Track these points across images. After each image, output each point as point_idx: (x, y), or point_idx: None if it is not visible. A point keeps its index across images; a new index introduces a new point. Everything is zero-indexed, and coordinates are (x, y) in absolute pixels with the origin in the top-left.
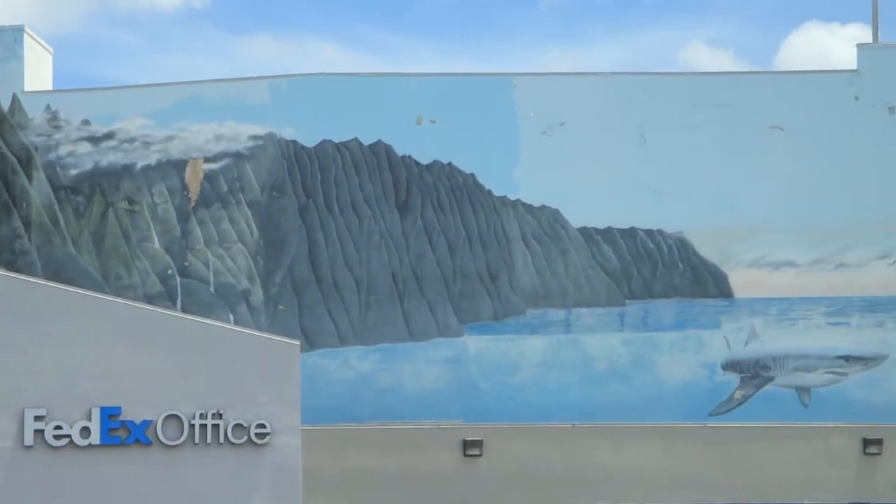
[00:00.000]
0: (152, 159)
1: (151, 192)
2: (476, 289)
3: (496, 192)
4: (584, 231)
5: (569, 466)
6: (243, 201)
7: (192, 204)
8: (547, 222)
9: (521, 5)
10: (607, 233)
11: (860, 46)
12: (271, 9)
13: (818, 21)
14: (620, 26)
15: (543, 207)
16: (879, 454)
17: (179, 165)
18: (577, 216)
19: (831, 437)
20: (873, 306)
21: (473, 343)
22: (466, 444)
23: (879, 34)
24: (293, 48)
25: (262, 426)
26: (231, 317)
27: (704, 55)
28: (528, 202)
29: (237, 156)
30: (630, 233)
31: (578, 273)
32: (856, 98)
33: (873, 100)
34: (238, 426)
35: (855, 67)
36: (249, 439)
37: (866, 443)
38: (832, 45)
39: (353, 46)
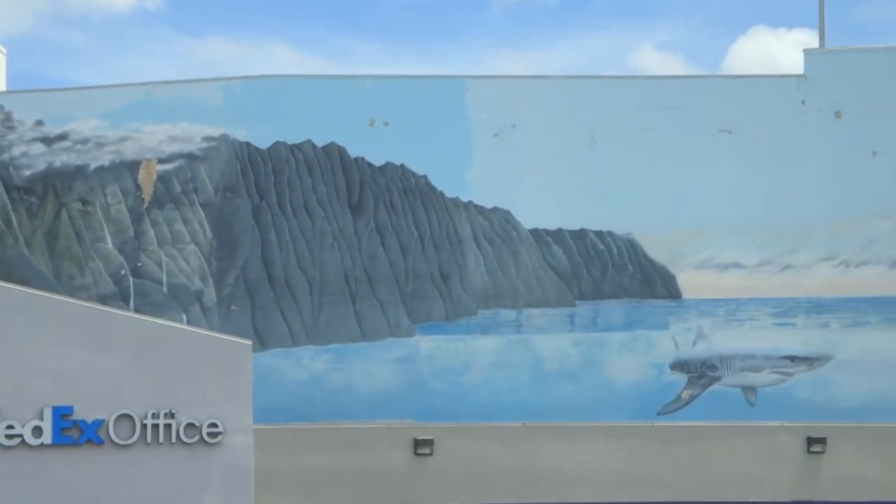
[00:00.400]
0: (106, 160)
1: (105, 193)
2: (428, 289)
3: (448, 194)
4: (534, 232)
5: (519, 465)
6: (196, 202)
7: (146, 205)
8: (498, 224)
9: (474, 8)
10: (558, 234)
11: (807, 51)
12: (224, 10)
13: (765, 26)
14: (572, 30)
15: (495, 209)
16: (823, 453)
17: (133, 166)
18: (528, 218)
19: (777, 436)
20: (819, 307)
21: (425, 343)
22: (417, 444)
23: (826, 39)
24: (247, 50)
25: (215, 426)
26: (184, 317)
27: (654, 59)
28: (480, 204)
29: (191, 157)
30: (580, 234)
31: (529, 274)
32: (803, 102)
33: (820, 104)
34: (190, 426)
35: (802, 72)
36: (201, 439)
37: (810, 441)
38: (779, 50)
39: (306, 48)
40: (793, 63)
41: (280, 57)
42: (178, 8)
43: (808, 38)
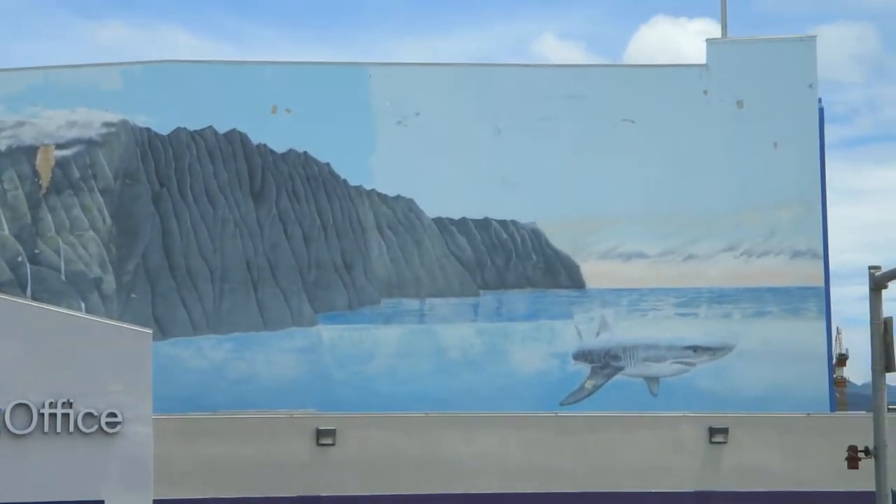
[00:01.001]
0: (2, 145)
1: (1, 179)
2: (331, 278)
3: (351, 182)
4: (438, 221)
5: (422, 455)
6: (96, 188)
7: (44, 191)
8: (402, 212)
9: None
10: (462, 223)
11: (709, 41)
12: None
13: (666, 15)
14: (474, 17)
15: (398, 197)
16: (725, 443)
17: (30, 152)
18: (432, 206)
19: (679, 426)
20: (721, 297)
21: (327, 332)
22: (320, 434)
23: (728, 30)
24: (145, 34)
25: (114, 415)
26: (82, 305)
27: (556, 47)
28: (384, 192)
29: (90, 142)
30: (484, 223)
31: (433, 263)
32: (705, 92)
33: (722, 94)
34: (89, 415)
35: (704, 62)
36: (100, 428)
37: (712, 432)
38: (680, 39)
39: (205, 33)
40: (694, 52)
41: (179, 42)
42: None
43: (709, 27)
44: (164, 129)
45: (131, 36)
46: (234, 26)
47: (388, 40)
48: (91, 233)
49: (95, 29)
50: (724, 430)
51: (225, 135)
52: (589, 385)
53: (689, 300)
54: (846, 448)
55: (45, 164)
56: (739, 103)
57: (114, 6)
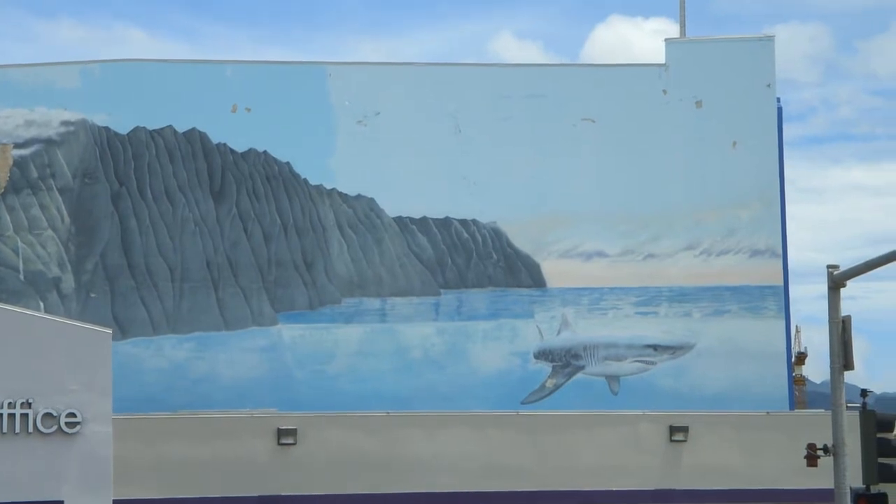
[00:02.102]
0: None
1: None
2: (291, 277)
3: (312, 181)
4: (399, 220)
5: (383, 454)
6: (54, 188)
7: (1, 190)
8: (362, 211)
9: None
10: (422, 222)
11: (668, 41)
12: None
13: (622, 15)
14: (430, 18)
15: (359, 196)
16: (685, 441)
17: None
18: (393, 205)
19: (639, 425)
20: (681, 296)
21: (288, 332)
22: (281, 433)
23: (686, 29)
24: (99, 33)
25: (73, 415)
26: (41, 304)
27: (513, 47)
28: (344, 191)
29: (48, 142)
30: (445, 223)
31: (394, 262)
32: (664, 92)
33: (681, 94)
34: (48, 415)
35: (663, 61)
36: (59, 428)
37: (672, 430)
38: (636, 39)
39: (161, 32)
40: (649, 51)
41: (134, 40)
42: None
43: (665, 26)
44: (123, 129)
45: (83, 34)
46: (189, 25)
47: (344, 40)
48: (50, 232)
49: (49, 27)
50: (684, 429)
51: (184, 134)
52: (550, 384)
53: (649, 299)
54: (805, 446)
55: (2, 164)
56: (698, 103)
57: (69, 5)
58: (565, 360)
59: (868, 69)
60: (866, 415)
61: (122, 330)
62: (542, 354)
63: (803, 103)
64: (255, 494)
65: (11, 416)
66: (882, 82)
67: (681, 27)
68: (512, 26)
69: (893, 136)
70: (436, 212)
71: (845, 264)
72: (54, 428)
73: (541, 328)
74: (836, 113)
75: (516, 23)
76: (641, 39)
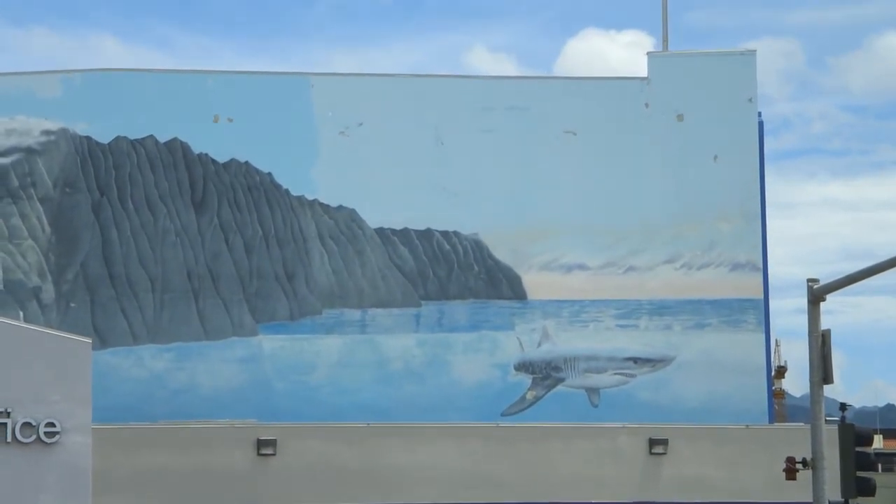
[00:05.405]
0: None
1: None
2: (272, 288)
3: (293, 192)
4: (380, 231)
5: (363, 465)
6: (35, 197)
7: None
8: (344, 222)
9: (300, 6)
10: (404, 233)
11: (650, 55)
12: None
13: (596, 28)
14: (404, 30)
15: (341, 207)
16: (665, 454)
17: None
18: (374, 217)
19: (619, 437)
20: (661, 309)
21: (269, 342)
22: (260, 444)
23: (669, 43)
24: (74, 42)
25: (52, 425)
26: (21, 314)
27: (488, 60)
28: (326, 202)
29: (28, 151)
30: (426, 234)
31: (375, 273)
32: (646, 105)
33: (663, 107)
34: (27, 425)
35: (645, 75)
36: (38, 438)
37: (652, 443)
38: (609, 51)
39: (138, 42)
40: (624, 64)
41: (109, 49)
42: None
43: (639, 39)
44: (104, 138)
45: (58, 43)
46: (168, 34)
47: (322, 51)
48: (30, 241)
49: (22, 35)
50: (664, 442)
51: (166, 144)
52: (530, 396)
53: (629, 312)
54: (784, 459)
55: None
56: (680, 116)
57: (40, 12)
58: (545, 373)
59: (841, 85)
60: (845, 428)
61: (102, 340)
62: (523, 366)
63: (777, 118)
64: None
65: None
66: (855, 98)
67: (663, 41)
68: (486, 40)
69: (866, 152)
70: (417, 223)
71: (821, 279)
72: (33, 437)
73: (521, 340)
74: (809, 128)
75: (490, 37)
76: (615, 52)
